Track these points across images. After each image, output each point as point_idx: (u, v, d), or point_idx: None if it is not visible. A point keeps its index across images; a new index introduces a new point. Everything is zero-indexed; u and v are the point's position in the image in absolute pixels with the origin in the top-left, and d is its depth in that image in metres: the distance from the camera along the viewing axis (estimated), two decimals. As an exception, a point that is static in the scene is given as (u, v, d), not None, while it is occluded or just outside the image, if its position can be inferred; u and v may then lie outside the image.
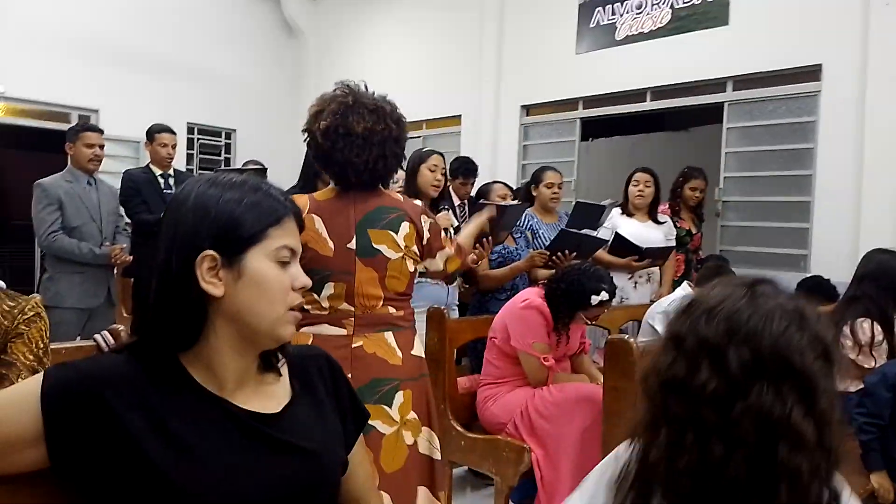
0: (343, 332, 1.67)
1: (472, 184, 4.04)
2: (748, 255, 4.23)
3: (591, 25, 5.00)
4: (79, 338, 3.12)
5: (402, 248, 1.71)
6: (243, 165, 4.08)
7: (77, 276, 3.15)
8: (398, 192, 3.33)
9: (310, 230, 1.64)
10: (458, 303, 3.12)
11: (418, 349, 1.80)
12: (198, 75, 6.65)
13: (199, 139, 6.83)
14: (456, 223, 3.01)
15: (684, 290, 3.28)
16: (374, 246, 1.68)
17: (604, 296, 2.37)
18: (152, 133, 3.73)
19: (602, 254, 3.51)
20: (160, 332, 0.84)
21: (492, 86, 5.63)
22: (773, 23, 4.08)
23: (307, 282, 0.91)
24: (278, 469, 0.86)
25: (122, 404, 0.80)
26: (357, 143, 1.63)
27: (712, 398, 0.77)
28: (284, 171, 4.41)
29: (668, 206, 3.90)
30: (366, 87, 1.73)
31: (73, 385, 0.80)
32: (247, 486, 0.83)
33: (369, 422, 1.57)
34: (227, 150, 7.11)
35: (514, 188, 4.15)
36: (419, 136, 6.40)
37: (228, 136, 7.11)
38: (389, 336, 1.72)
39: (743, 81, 4.31)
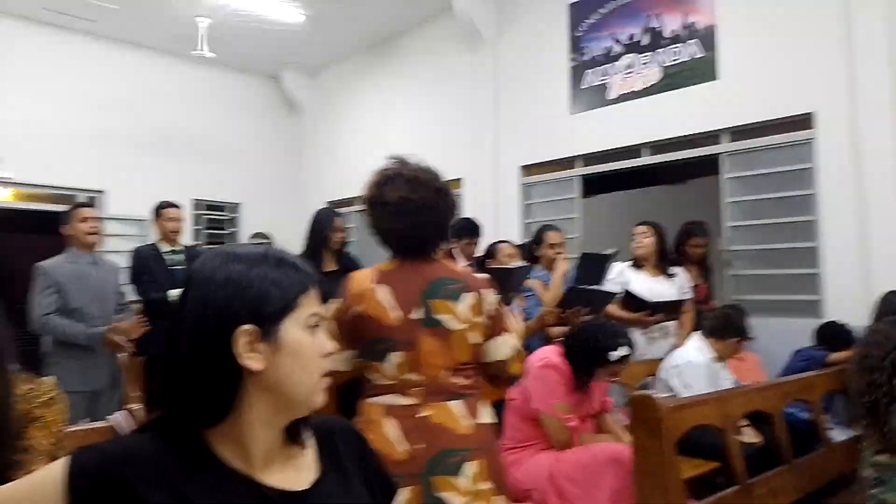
0: (412, 401, 1.66)
1: (476, 243, 4.06)
2: (761, 302, 4.19)
3: (583, 87, 5.14)
4: (84, 421, 3.05)
5: (464, 319, 1.69)
6: (250, 238, 4.10)
7: (79, 359, 3.11)
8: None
9: (372, 300, 1.66)
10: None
11: (486, 416, 1.75)
12: (202, 152, 6.79)
13: (205, 214, 6.90)
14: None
15: (697, 341, 3.24)
16: (436, 316, 1.67)
17: (622, 351, 2.33)
18: (159, 209, 3.77)
19: (614, 309, 3.49)
20: (188, 408, 0.83)
21: (489, 148, 5.74)
22: (761, 74, 4.20)
23: (334, 346, 0.93)
24: None
25: (147, 486, 0.78)
26: (391, 211, 1.67)
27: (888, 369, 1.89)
28: (288, 242, 4.45)
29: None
30: (414, 160, 1.77)
31: (99, 468, 0.79)
32: None
33: (438, 494, 1.58)
34: (233, 224, 7.17)
35: (520, 244, 4.16)
36: (421, 201, 6.46)
37: (234, 210, 7.19)
38: (456, 405, 1.68)
39: (737, 133, 4.39)
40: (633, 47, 4.84)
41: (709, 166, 4.67)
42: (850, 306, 3.73)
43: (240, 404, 0.84)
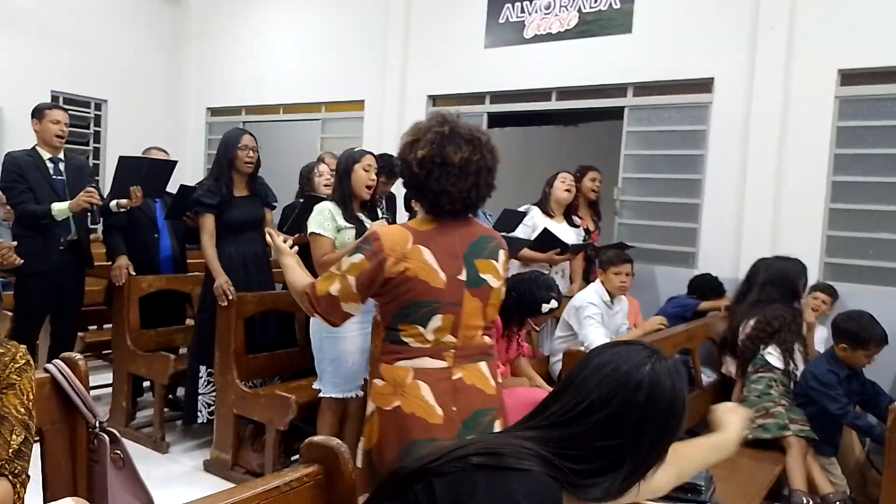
0: (443, 364, 1.65)
1: (393, 183, 3.98)
2: (643, 251, 4.54)
3: (500, 21, 5.06)
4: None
5: (502, 276, 1.73)
6: (144, 152, 3.69)
7: None
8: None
9: (419, 261, 1.61)
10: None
11: (498, 376, 1.81)
12: (64, 39, 5.90)
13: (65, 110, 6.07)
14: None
15: (597, 285, 3.48)
16: (481, 276, 1.68)
17: (553, 304, 2.45)
18: (42, 110, 3.26)
19: (524, 251, 3.63)
20: None
21: (397, 73, 5.53)
22: (671, 35, 4.38)
23: None
24: None
25: None
26: (453, 172, 1.62)
27: None
28: (160, 143, 4.09)
29: None
30: (458, 116, 1.73)
31: None
32: None
33: None
34: (97, 123, 6.40)
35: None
36: (318, 119, 6.16)
37: (98, 108, 6.40)
38: (483, 365, 1.71)
39: (642, 88, 4.59)
40: (555, -13, 4.81)
41: (610, 114, 4.86)
42: (721, 260, 4.18)
43: None
